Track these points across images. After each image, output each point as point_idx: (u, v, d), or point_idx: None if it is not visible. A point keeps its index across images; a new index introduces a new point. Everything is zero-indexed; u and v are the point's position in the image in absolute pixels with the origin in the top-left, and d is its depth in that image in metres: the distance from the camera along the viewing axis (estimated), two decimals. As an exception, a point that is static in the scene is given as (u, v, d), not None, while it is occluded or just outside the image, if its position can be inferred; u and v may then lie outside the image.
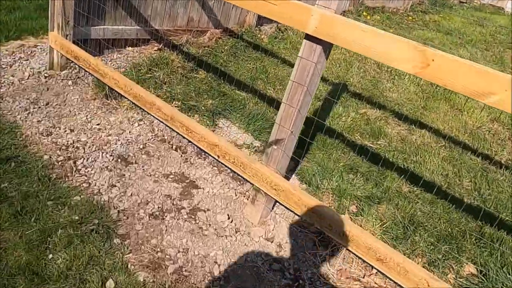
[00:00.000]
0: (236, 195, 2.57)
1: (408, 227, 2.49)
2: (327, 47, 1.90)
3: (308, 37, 1.86)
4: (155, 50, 4.18)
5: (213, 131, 3.11)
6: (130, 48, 4.09)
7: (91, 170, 2.48)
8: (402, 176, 3.01)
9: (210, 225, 2.29)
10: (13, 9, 4.58)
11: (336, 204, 2.62)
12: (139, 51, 4.11)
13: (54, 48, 3.40)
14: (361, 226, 2.47)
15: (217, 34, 4.74)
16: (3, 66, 3.41)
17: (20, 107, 2.93)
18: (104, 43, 3.78)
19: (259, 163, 2.25)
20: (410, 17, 8.72)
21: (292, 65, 4.48)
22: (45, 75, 3.41)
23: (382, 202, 2.72)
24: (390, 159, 3.21)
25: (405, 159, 3.28)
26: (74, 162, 2.51)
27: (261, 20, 5.25)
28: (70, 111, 3.00)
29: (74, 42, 3.44)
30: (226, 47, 4.54)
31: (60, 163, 2.48)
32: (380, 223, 2.50)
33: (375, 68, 5.05)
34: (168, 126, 2.81)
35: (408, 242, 2.39)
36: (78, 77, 3.46)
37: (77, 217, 2.09)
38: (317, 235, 2.34)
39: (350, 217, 2.52)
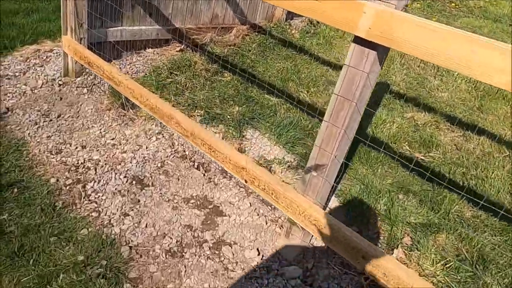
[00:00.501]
0: (267, 223, 2.20)
1: (477, 266, 2.05)
2: (383, 52, 1.49)
3: (358, 40, 1.46)
4: (176, 51, 3.86)
5: (240, 144, 2.75)
6: (150, 49, 3.78)
7: (102, 195, 2.18)
8: (462, 196, 2.54)
9: (237, 263, 1.94)
10: (31, 11, 4.37)
11: (387, 235, 2.21)
12: (160, 53, 3.79)
13: (67, 53, 3.14)
14: (418, 263, 2.05)
15: (244, 31, 4.36)
16: (16, 74, 3.18)
17: (30, 121, 2.67)
18: (118, 47, 3.48)
19: (294, 191, 1.88)
20: (452, 4, 8.00)
21: (326, 63, 4.04)
22: (59, 82, 3.15)
23: (441, 231, 2.28)
24: (446, 175, 2.74)
25: (464, 174, 2.80)
26: (84, 186, 2.22)
27: (291, 14, 4.82)
28: (83, 124, 2.72)
29: (89, 46, 3.16)
30: (254, 45, 4.16)
31: (68, 187, 2.19)
32: (442, 260, 2.07)
33: (419, 63, 4.52)
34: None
35: (480, 286, 1.95)
36: (94, 84, 3.18)
37: (82, 257, 1.80)
38: (365, 278, 1.95)
39: (404, 252, 2.11)
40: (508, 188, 2.73)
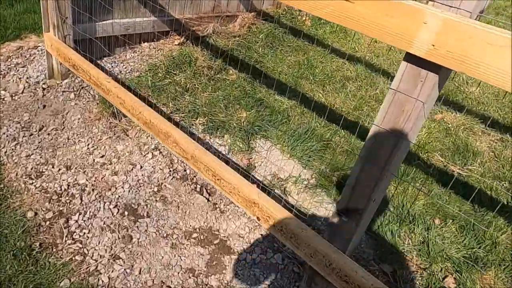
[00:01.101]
0: (283, 262, 1.87)
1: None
2: (446, 73, 1.11)
3: (413, 59, 1.07)
4: (175, 45, 3.46)
5: (249, 159, 2.39)
6: (146, 43, 3.39)
7: (88, 232, 1.84)
8: (509, 219, 2.19)
9: (249, 318, 1.62)
10: (14, 0, 3.96)
11: (425, 274, 1.86)
12: (157, 47, 3.40)
13: (51, 53, 2.76)
14: (466, 314, 1.71)
15: (250, 19, 3.93)
16: (-5, 77, 2.82)
17: (7, 136, 2.32)
18: (109, 43, 3.09)
19: (318, 236, 1.52)
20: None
21: (341, 55, 3.62)
22: (43, 86, 2.78)
23: (489, 267, 1.93)
24: (488, 192, 2.38)
25: (508, 191, 2.43)
26: (67, 221, 1.88)
27: (302, -2, 4.36)
28: (68, 139, 2.37)
29: (76, 43, 2.78)
30: (261, 35, 3.74)
31: (48, 223, 1.86)
32: (494, 310, 1.73)
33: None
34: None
35: None
36: (82, 87, 2.81)
37: (61, 321, 1.47)
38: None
39: (448, 298, 1.77)
40: (559, 206, 2.36)
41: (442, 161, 2.59)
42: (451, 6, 0.98)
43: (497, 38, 0.90)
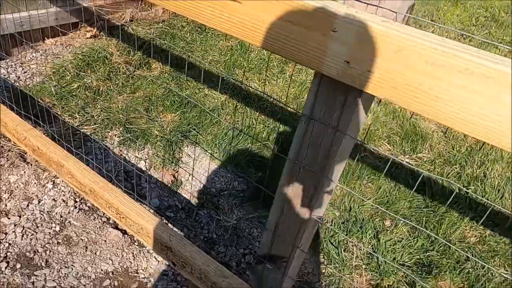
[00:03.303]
0: (216, 300, 1.59)
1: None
2: (371, 97, 0.82)
3: (328, 79, 0.77)
4: (87, 38, 2.99)
5: (175, 173, 2.06)
6: (50, 40, 2.89)
7: (-33, 300, 1.47)
8: (462, 213, 2.02)
9: None
10: None
11: (376, 294, 1.66)
12: (65, 43, 2.91)
13: None
14: (422, 337, 1.52)
15: (175, 1, 3.48)
16: None
17: None
18: (2, 43, 2.59)
19: (244, 285, 1.24)
20: None
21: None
22: None
23: (443, 273, 1.75)
24: (439, 181, 2.20)
25: (459, 176, 2.27)
26: None
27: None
28: None
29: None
30: (188, 19, 3.31)
31: None
32: (452, 327, 1.56)
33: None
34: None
35: None
36: (-31, 103, 2.32)
37: None
38: None
39: (402, 320, 1.57)
40: (510, 187, 2.23)
41: (390, 149, 2.38)
42: (373, 5, 0.68)
43: (444, 55, 0.61)
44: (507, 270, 1.79)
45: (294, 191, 0.96)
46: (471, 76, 0.59)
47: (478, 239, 1.91)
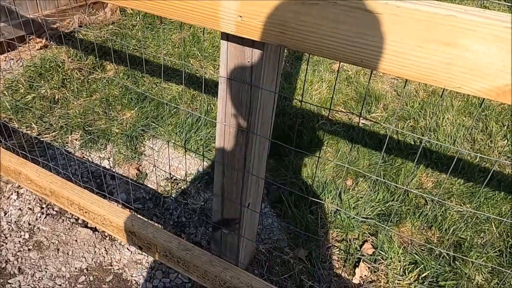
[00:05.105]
0: (190, 280, 1.65)
1: (456, 261, 1.65)
2: (276, 47, 0.87)
3: (230, 38, 0.83)
4: (38, 49, 2.97)
5: (139, 166, 2.10)
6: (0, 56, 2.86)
7: None
8: (417, 162, 2.13)
9: None
10: None
11: (342, 247, 1.74)
12: (15, 58, 2.89)
13: None
14: (387, 280, 1.62)
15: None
16: None
17: None
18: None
19: (206, 255, 1.30)
20: None
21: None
22: None
23: (404, 219, 1.85)
24: (394, 136, 2.30)
25: (413, 129, 2.37)
26: None
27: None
28: None
29: None
30: (138, 17, 3.33)
31: None
32: (413, 265, 1.65)
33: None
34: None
35: (464, 283, 1.57)
36: None
37: None
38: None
39: (368, 267, 1.66)
40: (462, 132, 2.35)
41: (346, 113, 2.46)
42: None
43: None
44: (459, 203, 1.89)
45: (228, 152, 1.02)
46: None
47: (434, 184, 2.02)
